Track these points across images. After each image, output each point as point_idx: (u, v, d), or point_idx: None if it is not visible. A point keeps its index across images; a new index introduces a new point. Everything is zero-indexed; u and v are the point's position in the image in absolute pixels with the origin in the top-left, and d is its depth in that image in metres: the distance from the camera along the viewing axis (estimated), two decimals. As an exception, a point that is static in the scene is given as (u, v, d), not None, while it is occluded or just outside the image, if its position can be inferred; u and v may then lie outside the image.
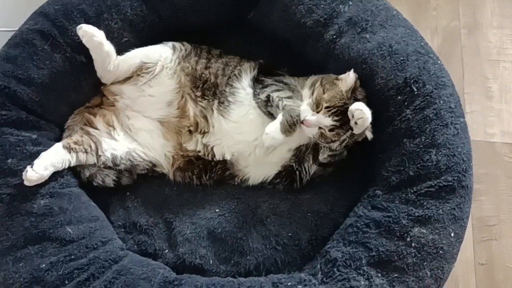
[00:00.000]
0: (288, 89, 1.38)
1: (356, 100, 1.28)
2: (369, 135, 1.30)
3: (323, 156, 1.34)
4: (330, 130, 1.27)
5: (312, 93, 1.31)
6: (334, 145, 1.30)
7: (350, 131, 1.28)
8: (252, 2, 1.50)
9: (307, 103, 1.30)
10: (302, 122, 1.28)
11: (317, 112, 1.28)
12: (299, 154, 1.37)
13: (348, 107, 1.25)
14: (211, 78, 1.41)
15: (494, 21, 1.95)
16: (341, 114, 1.26)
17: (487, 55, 1.89)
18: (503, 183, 1.68)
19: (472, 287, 1.55)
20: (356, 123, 1.24)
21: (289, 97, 1.33)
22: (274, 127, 1.27)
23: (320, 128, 1.28)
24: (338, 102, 1.27)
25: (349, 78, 1.30)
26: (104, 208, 1.37)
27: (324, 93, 1.29)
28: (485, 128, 1.77)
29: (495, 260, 1.58)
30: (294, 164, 1.37)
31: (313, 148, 1.35)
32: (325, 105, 1.27)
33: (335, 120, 1.26)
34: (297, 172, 1.37)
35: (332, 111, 1.26)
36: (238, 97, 1.39)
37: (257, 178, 1.41)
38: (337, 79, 1.34)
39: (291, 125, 1.27)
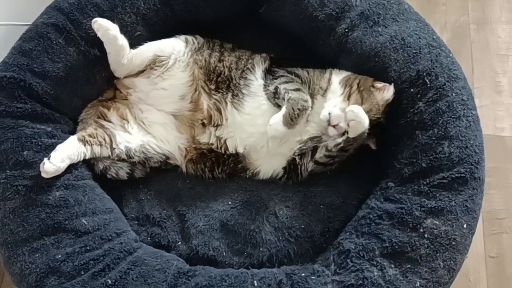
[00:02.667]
0: (297, 81, 1.39)
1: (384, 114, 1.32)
2: (373, 146, 1.32)
3: (319, 155, 1.35)
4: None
5: (348, 97, 1.32)
6: (330, 145, 1.31)
7: (345, 135, 1.29)
8: (263, -4, 1.51)
9: (340, 108, 1.29)
10: (334, 126, 1.28)
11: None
12: (303, 148, 1.38)
13: (379, 123, 1.30)
14: (225, 71, 1.42)
15: (503, 16, 1.97)
16: (374, 128, 1.29)
17: (496, 50, 1.91)
18: (513, 177, 1.70)
19: (482, 280, 1.56)
20: (348, 125, 1.25)
21: (296, 89, 1.34)
22: (277, 119, 1.30)
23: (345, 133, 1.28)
24: (373, 117, 1.29)
25: (389, 92, 1.32)
26: (117, 201, 1.38)
27: (362, 103, 1.30)
28: (495, 123, 1.78)
29: (505, 253, 1.59)
30: (296, 158, 1.38)
31: (313, 145, 1.36)
32: None
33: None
34: (299, 165, 1.38)
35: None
36: (252, 89, 1.41)
37: (267, 171, 1.42)
38: (373, 86, 1.34)
39: (293, 118, 1.28)
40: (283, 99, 1.33)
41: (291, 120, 1.29)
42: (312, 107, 1.35)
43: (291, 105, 1.29)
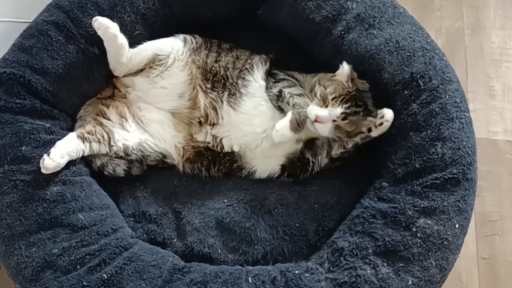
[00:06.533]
0: (299, 85, 1.42)
1: (359, 90, 1.33)
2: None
3: (335, 152, 1.37)
4: (343, 120, 1.30)
5: (315, 95, 1.35)
6: (348, 144, 1.34)
7: (364, 134, 1.31)
8: (261, -2, 1.53)
9: (314, 103, 1.33)
10: (315, 121, 1.30)
11: (326, 107, 1.31)
12: (314, 146, 1.39)
13: (353, 95, 1.30)
14: (221, 71, 1.44)
15: (497, 22, 1.99)
16: (348, 101, 1.30)
17: (490, 55, 1.93)
18: (506, 180, 1.71)
19: (474, 281, 1.57)
20: (381, 123, 1.29)
21: (300, 95, 1.36)
22: (284, 124, 1.31)
23: (334, 121, 1.30)
24: (342, 91, 1.31)
25: (344, 68, 1.34)
26: (114, 198, 1.40)
27: (326, 89, 1.33)
28: (488, 126, 1.80)
29: (497, 254, 1.60)
30: (310, 157, 1.39)
31: (328, 142, 1.38)
32: (330, 97, 1.31)
33: (345, 108, 1.29)
34: (311, 163, 1.39)
35: (339, 100, 1.30)
36: (250, 89, 1.42)
37: (263, 171, 1.44)
38: (333, 76, 1.37)
39: (299, 123, 1.30)
40: (288, 103, 1.35)
41: (298, 126, 1.30)
42: None
43: (297, 111, 1.31)
